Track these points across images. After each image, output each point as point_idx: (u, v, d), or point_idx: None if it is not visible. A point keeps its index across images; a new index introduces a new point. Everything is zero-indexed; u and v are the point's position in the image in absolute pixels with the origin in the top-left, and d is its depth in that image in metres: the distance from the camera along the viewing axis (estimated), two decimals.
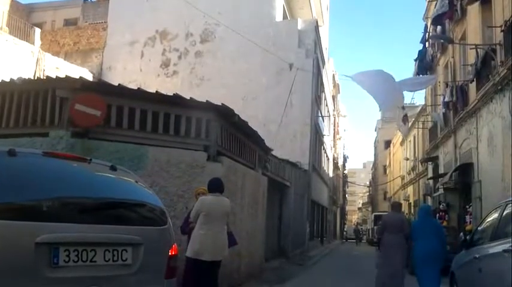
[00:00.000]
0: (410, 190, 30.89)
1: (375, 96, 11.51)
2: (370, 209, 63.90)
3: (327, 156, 31.16)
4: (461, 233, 12.01)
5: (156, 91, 7.38)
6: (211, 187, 5.65)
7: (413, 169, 29.49)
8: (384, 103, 12.07)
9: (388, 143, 50.48)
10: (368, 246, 31.58)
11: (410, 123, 31.86)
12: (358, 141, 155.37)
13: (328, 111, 31.40)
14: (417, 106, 38.28)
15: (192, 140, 7.40)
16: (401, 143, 36.44)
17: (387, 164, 50.56)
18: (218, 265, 5.54)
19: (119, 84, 7.36)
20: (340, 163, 50.13)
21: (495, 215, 4.97)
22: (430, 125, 22.36)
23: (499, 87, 11.58)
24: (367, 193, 74.45)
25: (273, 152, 13.43)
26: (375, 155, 64.15)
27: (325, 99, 28.77)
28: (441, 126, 18.68)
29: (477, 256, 4.94)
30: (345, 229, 50.75)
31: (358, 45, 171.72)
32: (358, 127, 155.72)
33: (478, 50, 12.67)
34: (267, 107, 20.30)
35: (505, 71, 10.83)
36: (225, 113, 7.87)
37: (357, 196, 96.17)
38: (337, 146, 43.15)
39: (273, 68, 20.51)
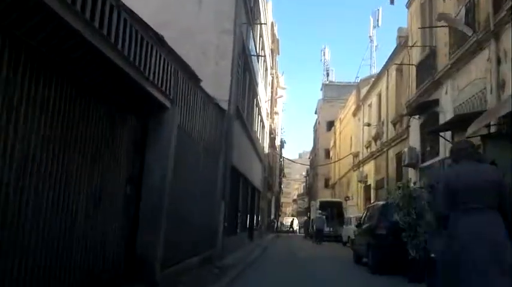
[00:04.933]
0: (370, 167, 23.20)
1: None
2: (306, 200, 57.37)
3: (261, 119, 22.69)
4: None
5: None
6: None
7: (376, 137, 21.81)
8: None
9: (331, 124, 44.01)
10: (312, 242, 23.75)
11: (372, 80, 24.43)
12: (294, 132, 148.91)
13: (265, 61, 22.98)
14: (371, 76, 31.05)
15: None
16: (355, 113, 28.91)
17: (331, 145, 43.35)
18: None
19: None
20: (278, 143, 42.42)
21: None
22: (419, 58, 14.55)
23: None
24: (303, 184, 68.28)
25: None
26: (314, 139, 57.32)
27: (260, 35, 20.35)
28: (462, 36, 10.76)
29: None
30: (281, 221, 43.82)
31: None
32: (294, 118, 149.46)
33: None
34: (158, 1, 11.82)
35: None
36: None
37: (292, 188, 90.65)
38: (275, 117, 34.93)
39: None
